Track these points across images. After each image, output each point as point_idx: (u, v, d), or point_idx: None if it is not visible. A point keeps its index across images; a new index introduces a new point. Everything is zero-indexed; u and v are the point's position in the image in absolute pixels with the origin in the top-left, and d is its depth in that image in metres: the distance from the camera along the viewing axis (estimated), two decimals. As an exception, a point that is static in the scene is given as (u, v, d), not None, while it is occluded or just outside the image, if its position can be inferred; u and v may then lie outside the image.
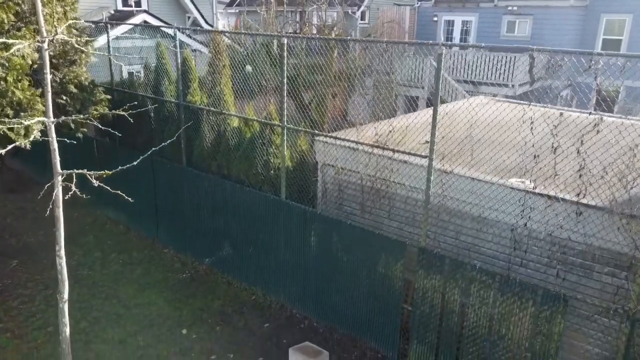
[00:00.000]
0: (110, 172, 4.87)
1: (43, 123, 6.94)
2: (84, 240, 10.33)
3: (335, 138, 7.78)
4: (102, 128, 5.97)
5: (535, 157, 6.38)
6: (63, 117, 5.43)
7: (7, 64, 6.41)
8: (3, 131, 6.90)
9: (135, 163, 5.52)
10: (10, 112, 6.71)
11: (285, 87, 7.63)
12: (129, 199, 5.74)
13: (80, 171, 4.81)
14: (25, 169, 13.78)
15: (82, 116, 5.95)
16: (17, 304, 8.18)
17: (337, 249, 7.55)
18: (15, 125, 6.66)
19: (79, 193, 4.88)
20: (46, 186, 5.01)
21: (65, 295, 5.33)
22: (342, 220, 7.62)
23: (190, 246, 9.83)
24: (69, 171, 4.81)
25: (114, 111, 5.72)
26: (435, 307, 6.72)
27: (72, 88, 8.91)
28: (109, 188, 5.28)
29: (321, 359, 6.56)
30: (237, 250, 9.07)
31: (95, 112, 9.04)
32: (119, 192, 5.40)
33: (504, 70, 17.67)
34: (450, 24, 25.35)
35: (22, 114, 6.82)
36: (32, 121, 5.25)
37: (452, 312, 6.56)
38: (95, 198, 11.73)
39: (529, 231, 6.27)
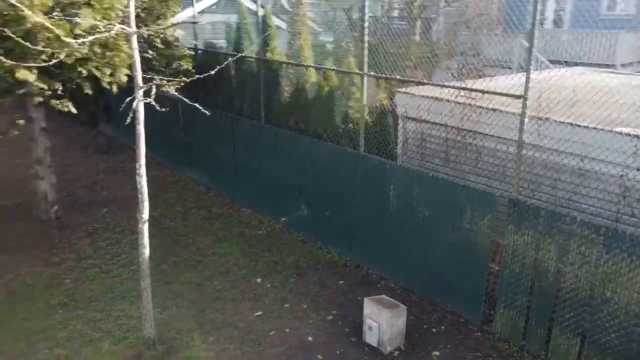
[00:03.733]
0: (188, 79, 4.77)
1: (129, 66, 7.18)
2: (167, 196, 10.67)
3: (421, 83, 7.35)
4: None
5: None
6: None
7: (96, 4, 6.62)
8: (89, 70, 7.22)
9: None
10: (98, 50, 6.95)
11: (366, 32, 7.32)
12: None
13: (158, 82, 4.76)
14: (118, 134, 14.54)
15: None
16: (106, 245, 8.58)
17: (418, 204, 7.15)
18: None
19: (158, 107, 4.86)
20: (126, 100, 5.04)
21: (145, 216, 5.41)
22: (425, 171, 7.19)
23: (267, 205, 9.83)
24: (148, 84, 4.80)
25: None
26: (526, 267, 6.12)
27: (157, 43, 9.15)
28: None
29: (398, 312, 6.21)
30: (313, 209, 8.92)
31: (182, 67, 9.28)
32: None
33: (605, 49, 16.09)
34: (543, 2, 23.62)
35: (107, 53, 7.05)
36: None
37: (547, 272, 5.93)
38: (178, 159, 12.24)
39: (641, 181, 5.51)
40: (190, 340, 6.22)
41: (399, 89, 7.77)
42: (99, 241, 8.72)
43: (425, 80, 7.37)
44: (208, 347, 6.11)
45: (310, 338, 6.40)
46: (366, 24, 7.42)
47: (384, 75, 7.75)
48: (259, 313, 6.86)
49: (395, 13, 13.05)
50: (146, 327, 5.78)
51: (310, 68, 9.14)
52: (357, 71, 7.97)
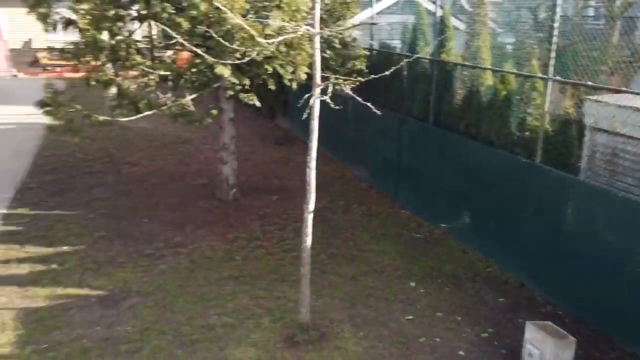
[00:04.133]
0: (364, 79, 4.86)
1: (309, 65, 7.61)
2: (332, 190, 11.11)
3: (619, 91, 6.48)
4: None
5: None
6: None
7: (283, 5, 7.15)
8: (274, 67, 7.81)
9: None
10: (283, 49, 7.51)
11: (556, 32, 6.68)
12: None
13: (334, 81, 4.95)
14: (293, 128, 15.59)
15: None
16: (273, 229, 9.27)
17: (603, 227, 6.33)
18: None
19: (332, 105, 5.06)
20: (304, 97, 5.34)
21: (311, 207, 5.69)
22: (614, 191, 6.34)
23: (428, 209, 9.63)
24: (325, 83, 5.02)
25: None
26: None
27: (336, 43, 9.55)
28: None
29: (566, 344, 5.58)
30: (477, 218, 8.49)
31: (356, 66, 9.54)
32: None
33: None
34: None
35: (291, 52, 7.56)
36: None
37: None
38: (345, 155, 12.67)
39: None
40: (341, 331, 6.39)
41: (589, 97, 6.95)
42: (268, 225, 9.45)
43: (624, 88, 6.46)
44: (357, 341, 6.22)
45: (461, 352, 6.11)
46: (556, 24, 6.79)
47: (572, 81, 7.01)
48: (410, 317, 6.76)
49: (591, 12, 11.68)
50: (302, 311, 6.10)
51: (487, 71, 8.68)
52: (540, 75, 7.34)
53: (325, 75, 6.12)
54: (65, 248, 8.38)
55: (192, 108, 8.35)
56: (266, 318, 6.65)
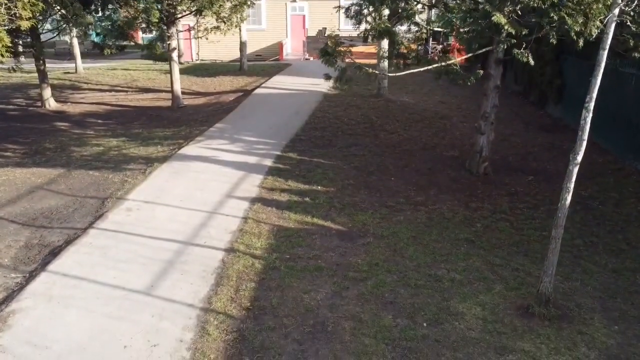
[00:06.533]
0: None
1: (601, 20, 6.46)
2: (602, 181, 9.45)
3: None
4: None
5: None
6: None
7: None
8: (562, 16, 6.88)
9: None
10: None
11: None
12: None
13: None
14: (565, 116, 13.87)
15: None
16: (522, 207, 8.37)
17: None
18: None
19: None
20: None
21: (579, 158, 4.83)
22: None
23: None
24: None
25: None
26: None
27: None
28: None
29: None
30: None
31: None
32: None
33: None
34: None
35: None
36: None
37: None
38: (623, 147, 10.60)
39: None
40: (589, 319, 5.33)
41: None
42: (517, 202, 8.58)
43: None
44: (609, 333, 5.09)
45: None
46: None
47: None
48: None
49: None
50: (544, 280, 5.29)
51: None
52: None
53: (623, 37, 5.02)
54: (318, 187, 9.18)
55: (457, 68, 8.09)
56: (499, 285, 6.02)
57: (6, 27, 11.03)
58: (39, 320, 5.36)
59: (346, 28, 21.68)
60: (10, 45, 10.86)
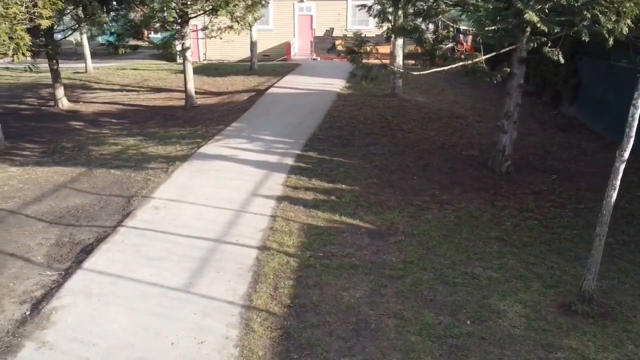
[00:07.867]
0: None
1: (637, 17, 6.48)
2: (626, 179, 9.26)
3: None
4: None
5: None
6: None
7: None
8: (595, 15, 6.89)
9: None
10: None
11: None
12: None
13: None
14: (580, 115, 13.89)
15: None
16: (549, 205, 8.38)
17: None
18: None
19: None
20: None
21: (625, 155, 4.84)
22: None
23: None
24: None
25: None
26: None
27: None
28: None
29: None
30: None
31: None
32: None
33: None
34: None
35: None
36: None
37: None
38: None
39: None
40: (633, 317, 5.35)
41: None
42: (542, 200, 8.60)
43: None
44: (655, 331, 5.11)
45: None
46: None
47: None
48: None
49: None
50: (588, 278, 5.30)
51: None
52: None
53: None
54: (343, 186, 9.18)
55: (484, 65, 8.10)
56: (536, 282, 6.03)
57: (26, 26, 11.03)
58: (82, 317, 5.36)
59: (353, 28, 21.73)
60: (31, 44, 10.86)
